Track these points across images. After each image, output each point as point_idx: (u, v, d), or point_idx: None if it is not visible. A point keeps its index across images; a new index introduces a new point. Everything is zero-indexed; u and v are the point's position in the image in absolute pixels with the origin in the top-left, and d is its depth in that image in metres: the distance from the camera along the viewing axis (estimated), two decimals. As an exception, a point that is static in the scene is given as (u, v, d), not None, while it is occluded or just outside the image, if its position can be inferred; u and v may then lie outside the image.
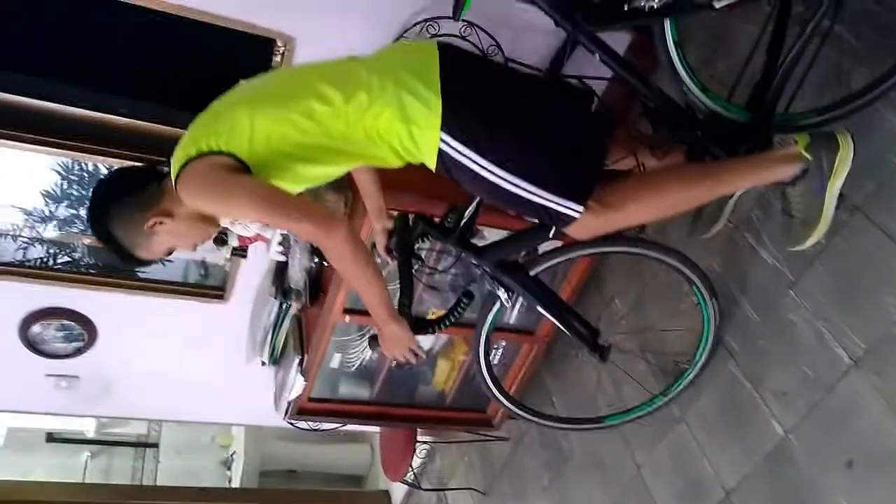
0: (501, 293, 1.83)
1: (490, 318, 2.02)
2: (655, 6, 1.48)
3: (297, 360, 2.60)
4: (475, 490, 3.30)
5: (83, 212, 2.65)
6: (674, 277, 1.94)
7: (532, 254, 1.87)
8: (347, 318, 2.36)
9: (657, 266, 2.06)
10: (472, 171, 1.37)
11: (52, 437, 5.78)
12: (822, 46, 1.50)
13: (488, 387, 2.18)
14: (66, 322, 2.76)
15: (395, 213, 1.79)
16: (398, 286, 1.69)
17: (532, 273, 1.84)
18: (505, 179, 1.38)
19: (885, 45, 1.58)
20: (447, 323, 1.72)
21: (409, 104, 1.33)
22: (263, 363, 2.88)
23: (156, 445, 5.84)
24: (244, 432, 4.91)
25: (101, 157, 2.39)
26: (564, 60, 1.96)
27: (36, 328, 2.73)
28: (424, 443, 3.69)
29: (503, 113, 1.38)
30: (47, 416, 5.43)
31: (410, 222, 1.76)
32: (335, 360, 2.68)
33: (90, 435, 5.87)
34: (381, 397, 2.87)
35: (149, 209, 1.45)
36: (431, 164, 1.38)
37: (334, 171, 1.48)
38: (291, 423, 2.85)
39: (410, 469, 3.38)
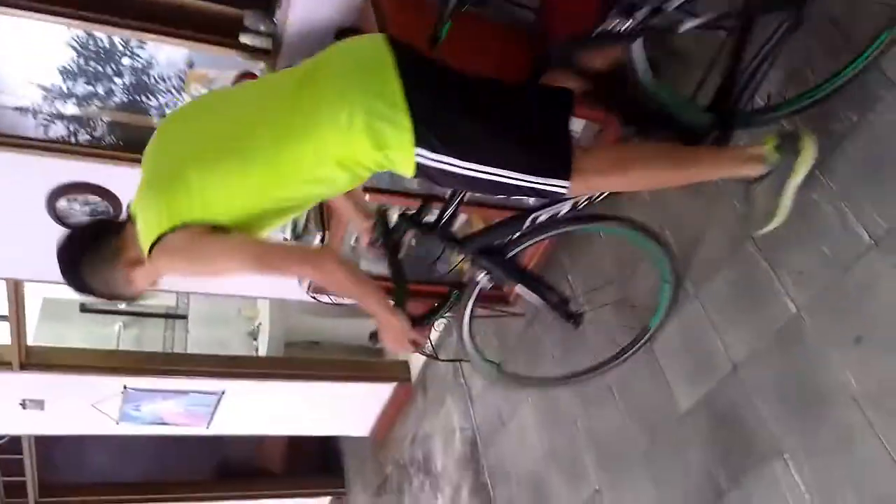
0: (482, 276, 2.00)
1: (471, 301, 2.13)
2: (621, 31, 1.67)
3: (318, 237, 2.64)
4: (491, 362, 3.43)
5: (101, 88, 2.63)
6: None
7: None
8: (367, 196, 2.37)
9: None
10: (455, 173, 1.41)
11: (85, 308, 6.03)
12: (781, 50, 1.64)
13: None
14: (90, 197, 2.81)
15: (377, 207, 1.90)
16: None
17: (508, 256, 1.94)
18: (492, 174, 1.43)
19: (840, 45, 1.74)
20: (440, 316, 1.93)
21: (381, 130, 1.34)
22: (285, 238, 2.93)
23: (184, 317, 6.08)
24: (269, 306, 5.08)
25: (114, 29, 2.34)
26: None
27: (62, 203, 2.79)
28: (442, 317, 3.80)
29: (472, 113, 1.42)
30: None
31: (391, 220, 1.88)
32: (354, 238, 2.72)
33: (121, 306, 6.10)
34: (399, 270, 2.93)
35: (118, 260, 1.50)
36: (409, 174, 1.41)
37: (306, 207, 1.54)
38: (314, 298, 2.93)
39: (429, 341, 3.51)
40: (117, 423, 3.96)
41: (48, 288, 4.93)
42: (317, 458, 5.29)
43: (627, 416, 2.43)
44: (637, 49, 1.71)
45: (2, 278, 3.19)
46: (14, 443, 4.13)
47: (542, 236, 1.98)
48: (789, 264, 1.88)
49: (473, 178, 1.43)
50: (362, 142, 1.35)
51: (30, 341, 3.61)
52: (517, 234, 1.88)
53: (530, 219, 1.78)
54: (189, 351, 5.60)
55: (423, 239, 2.00)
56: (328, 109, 1.35)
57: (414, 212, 1.90)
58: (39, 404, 3.76)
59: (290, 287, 2.95)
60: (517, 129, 1.46)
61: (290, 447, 5.25)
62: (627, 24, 1.68)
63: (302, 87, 1.42)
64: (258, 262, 1.42)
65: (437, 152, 1.37)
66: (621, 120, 1.91)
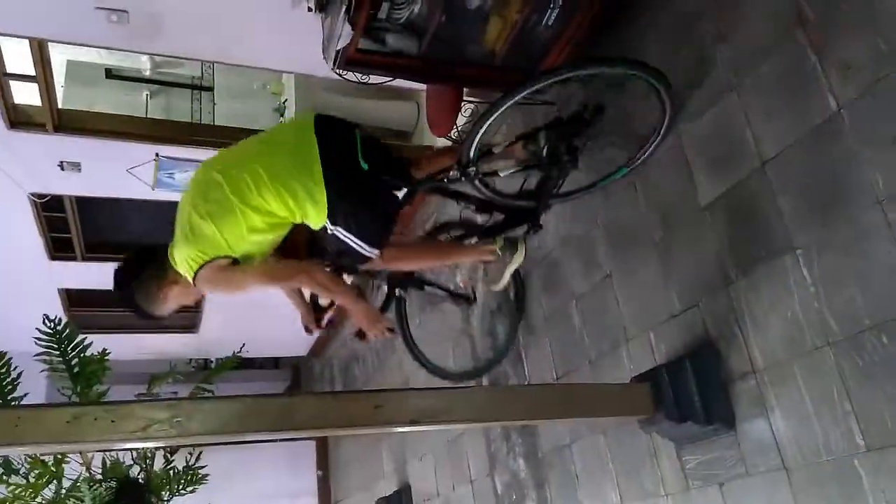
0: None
1: None
2: (447, 180, 2.51)
3: (343, 8, 2.51)
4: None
5: None
6: None
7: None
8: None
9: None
10: (338, 238, 2.14)
11: (111, 74, 5.99)
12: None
13: None
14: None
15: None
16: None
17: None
18: (354, 242, 2.15)
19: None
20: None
21: (310, 205, 2.06)
22: (310, 9, 2.80)
23: (210, 89, 6.04)
24: (294, 83, 5.00)
25: None
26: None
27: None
28: (470, 102, 3.72)
29: (361, 202, 2.14)
30: (104, 53, 5.54)
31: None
32: (383, 10, 2.59)
33: (146, 73, 6.05)
34: (430, 53, 2.83)
35: (161, 282, 2.11)
36: (317, 227, 2.14)
37: (278, 238, 2.17)
38: (339, 74, 2.87)
39: (455, 127, 3.48)
40: (153, 189, 4.11)
41: (71, 51, 4.85)
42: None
43: (646, 209, 2.47)
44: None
45: (25, 37, 3.14)
46: (57, 203, 4.35)
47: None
48: (839, 55, 1.78)
49: (345, 242, 2.15)
50: (306, 206, 2.07)
51: (59, 105, 3.64)
52: None
53: None
54: (217, 124, 5.63)
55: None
56: (295, 187, 2.05)
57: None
58: (76, 167, 3.89)
59: (316, 62, 2.88)
60: (379, 217, 2.22)
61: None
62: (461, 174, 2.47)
63: (263, 169, 2.06)
64: (270, 278, 2.17)
65: (334, 223, 2.11)
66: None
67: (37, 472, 2.86)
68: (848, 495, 1.73)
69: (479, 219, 2.76)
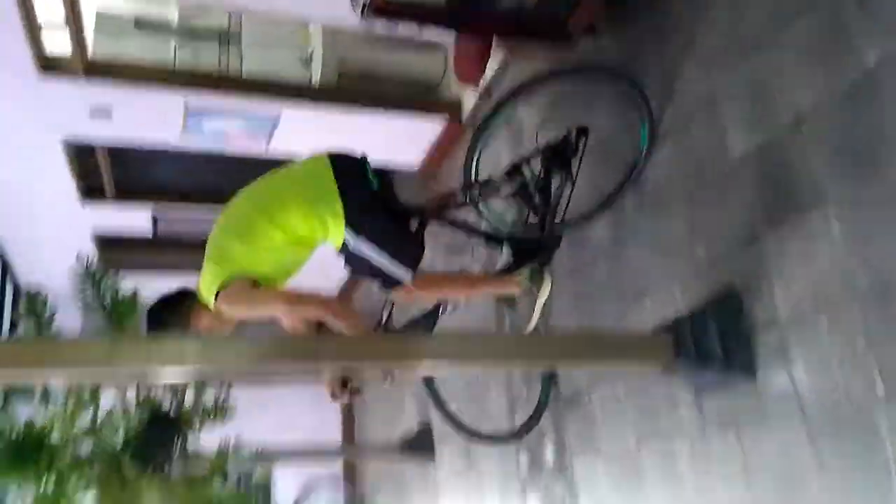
0: None
1: None
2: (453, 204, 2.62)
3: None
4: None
5: None
6: None
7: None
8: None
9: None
10: (365, 258, 2.23)
11: (139, 23, 6.00)
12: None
13: None
14: None
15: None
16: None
17: None
18: (384, 259, 2.23)
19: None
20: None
21: (329, 216, 2.17)
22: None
23: (238, 42, 6.02)
24: (321, 34, 4.97)
25: None
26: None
27: None
28: (498, 52, 3.69)
29: (383, 213, 2.28)
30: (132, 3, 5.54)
31: None
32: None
33: (175, 24, 6.05)
34: (458, 1, 2.80)
35: (191, 315, 2.23)
36: (339, 245, 2.24)
37: (297, 261, 2.30)
38: (367, 22, 2.85)
39: (482, 78, 3.46)
40: (181, 137, 4.15)
41: (100, 1, 4.86)
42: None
43: (677, 164, 2.46)
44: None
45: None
46: (89, 148, 4.41)
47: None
48: (878, 12, 1.73)
49: (364, 258, 2.24)
50: (326, 226, 2.19)
51: (89, 53, 3.67)
52: None
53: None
54: (244, 74, 5.63)
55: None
56: (315, 212, 2.18)
57: None
58: (107, 113, 3.93)
59: (343, 11, 2.87)
60: (397, 238, 2.31)
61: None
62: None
63: (286, 192, 2.24)
64: (290, 303, 2.20)
65: (354, 235, 2.20)
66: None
67: (73, 401, 2.99)
68: (865, 444, 1.75)
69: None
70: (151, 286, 4.07)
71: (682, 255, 2.39)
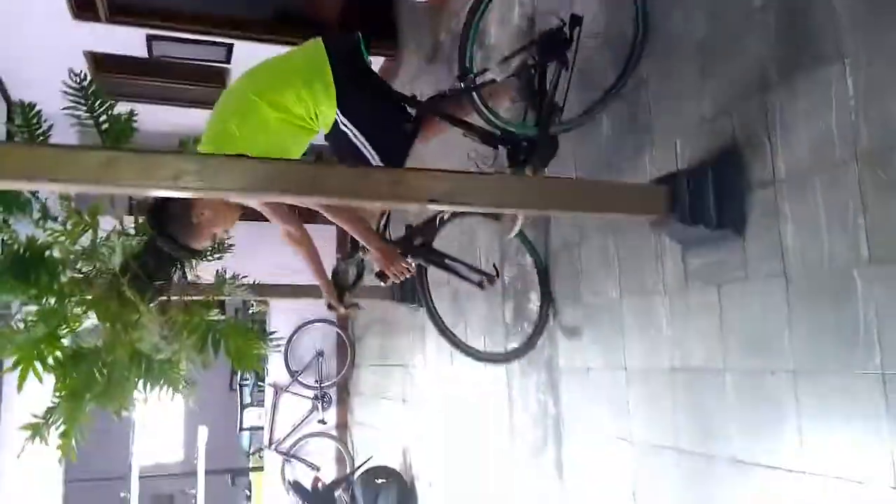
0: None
1: None
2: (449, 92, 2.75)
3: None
4: None
5: None
6: None
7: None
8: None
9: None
10: (346, 137, 2.32)
11: None
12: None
13: None
14: None
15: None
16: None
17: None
18: (366, 147, 2.33)
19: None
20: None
21: (321, 90, 2.26)
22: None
23: None
24: None
25: None
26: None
27: None
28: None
29: (371, 91, 2.38)
30: None
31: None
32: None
33: None
34: None
35: (194, 207, 2.24)
36: (329, 125, 2.34)
37: (292, 149, 2.35)
38: None
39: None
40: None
41: None
42: (372, 19, 5.31)
43: (691, 9, 2.34)
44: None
45: None
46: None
47: None
48: None
49: (353, 143, 2.34)
50: (320, 99, 2.27)
51: None
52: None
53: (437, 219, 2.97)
54: None
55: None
56: (308, 86, 2.27)
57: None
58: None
59: None
60: (390, 125, 2.41)
61: (348, 2, 5.23)
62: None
63: (281, 74, 2.32)
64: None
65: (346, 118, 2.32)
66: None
67: (73, 221, 3.03)
68: (841, 300, 1.80)
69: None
70: (147, 117, 4.02)
71: (689, 107, 2.34)
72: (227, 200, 2.25)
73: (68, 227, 3.05)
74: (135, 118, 3.10)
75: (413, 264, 2.61)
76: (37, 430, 3.10)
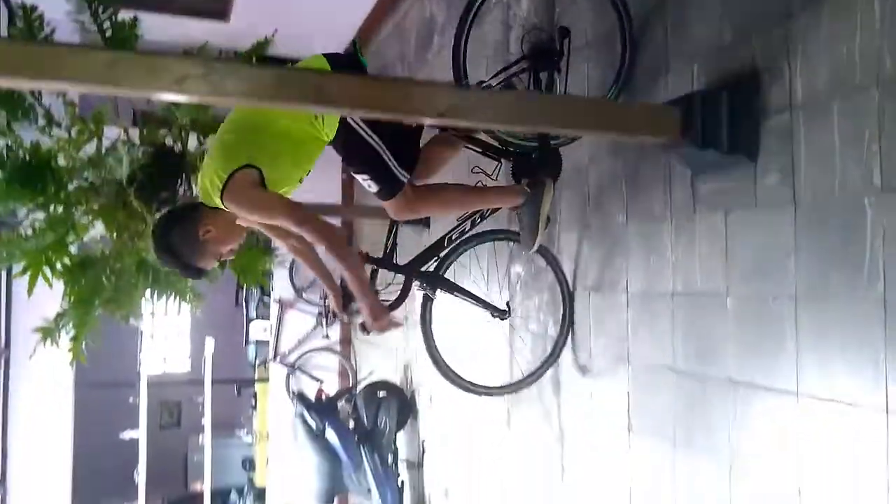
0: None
1: None
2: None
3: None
4: None
5: None
6: None
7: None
8: None
9: None
10: (362, 137, 2.29)
11: None
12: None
13: None
14: None
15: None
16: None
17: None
18: (379, 145, 2.29)
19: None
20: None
21: None
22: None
23: None
24: None
25: None
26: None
27: None
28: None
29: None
30: None
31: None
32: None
33: None
34: None
35: (200, 226, 2.20)
36: (332, 132, 2.30)
37: (300, 162, 2.31)
38: None
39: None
40: None
41: None
42: None
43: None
44: None
45: None
46: None
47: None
48: None
49: (367, 142, 2.30)
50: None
51: None
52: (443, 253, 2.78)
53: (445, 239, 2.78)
54: None
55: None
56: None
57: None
58: None
59: None
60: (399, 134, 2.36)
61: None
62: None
63: None
64: (291, 214, 2.12)
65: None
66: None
67: (77, 128, 3.00)
68: (849, 228, 1.80)
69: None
70: (148, 26, 3.91)
71: (708, 31, 2.27)
72: (234, 220, 2.22)
73: (73, 134, 3.02)
74: (137, 25, 3.03)
75: (400, 322, 2.48)
76: (48, 333, 3.18)
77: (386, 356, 5.81)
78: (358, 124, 2.28)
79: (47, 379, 5.96)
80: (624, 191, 2.69)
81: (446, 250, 2.78)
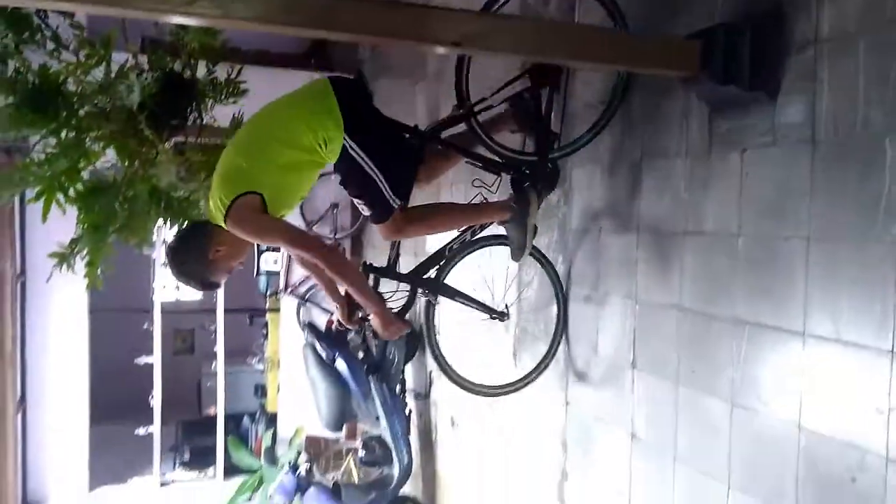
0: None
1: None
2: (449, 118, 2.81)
3: None
4: None
5: None
6: None
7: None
8: None
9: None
10: (355, 162, 2.36)
11: None
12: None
13: None
14: None
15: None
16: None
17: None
18: (374, 173, 2.36)
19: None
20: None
21: (327, 118, 2.31)
22: None
23: None
24: None
25: None
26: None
27: None
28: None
29: (376, 119, 2.47)
30: None
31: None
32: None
33: None
34: None
35: (210, 245, 2.33)
36: (335, 157, 2.36)
37: (301, 183, 2.41)
38: None
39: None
40: None
41: None
42: None
43: None
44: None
45: None
46: None
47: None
48: None
49: (364, 170, 2.36)
50: (329, 131, 2.31)
51: None
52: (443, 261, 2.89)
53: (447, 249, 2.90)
54: None
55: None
56: (312, 123, 2.32)
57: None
58: None
59: None
60: (397, 157, 2.44)
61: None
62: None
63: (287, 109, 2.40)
64: (294, 238, 2.30)
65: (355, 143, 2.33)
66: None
67: (86, 52, 2.96)
68: (867, 169, 1.77)
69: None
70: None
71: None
72: (241, 238, 2.30)
73: (81, 57, 2.98)
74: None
75: (408, 325, 2.62)
76: (63, 258, 3.21)
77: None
78: (357, 153, 2.33)
79: (64, 304, 6.08)
80: (639, 127, 2.65)
81: (446, 258, 2.90)
